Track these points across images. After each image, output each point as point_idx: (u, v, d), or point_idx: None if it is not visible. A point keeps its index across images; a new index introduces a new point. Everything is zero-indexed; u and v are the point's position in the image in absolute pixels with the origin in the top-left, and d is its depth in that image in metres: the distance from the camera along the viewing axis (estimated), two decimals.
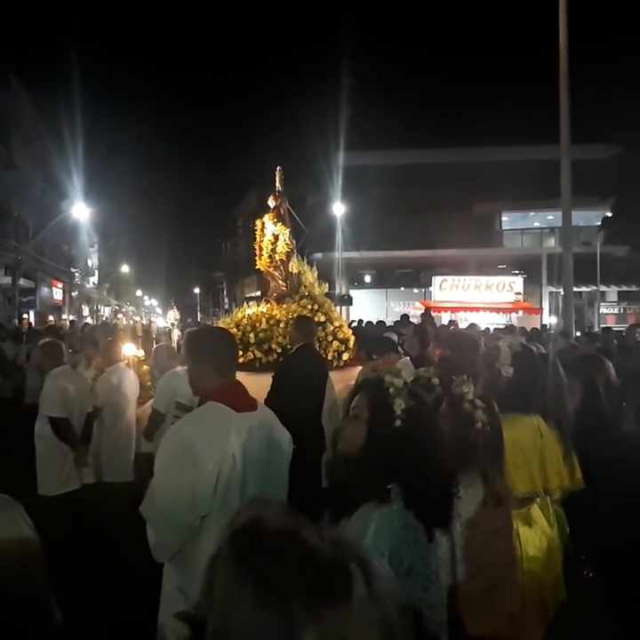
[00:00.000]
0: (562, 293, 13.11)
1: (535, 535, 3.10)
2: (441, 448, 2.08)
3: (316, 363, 5.40)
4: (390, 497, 1.96)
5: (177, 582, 2.30)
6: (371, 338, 6.99)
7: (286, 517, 0.98)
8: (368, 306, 28.92)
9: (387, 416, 2.04)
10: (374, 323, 13.96)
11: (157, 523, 2.24)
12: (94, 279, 48.14)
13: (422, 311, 17.45)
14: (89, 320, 35.34)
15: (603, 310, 30.00)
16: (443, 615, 1.97)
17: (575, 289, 18.27)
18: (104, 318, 41.63)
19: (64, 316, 31.32)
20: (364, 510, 1.96)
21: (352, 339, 7.55)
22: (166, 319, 32.95)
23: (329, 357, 7.22)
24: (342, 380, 6.11)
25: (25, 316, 25.51)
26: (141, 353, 7.82)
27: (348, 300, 25.58)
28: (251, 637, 0.85)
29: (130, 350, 7.17)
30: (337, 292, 24.57)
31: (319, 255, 25.50)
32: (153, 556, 2.31)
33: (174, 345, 9.60)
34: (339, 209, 27.52)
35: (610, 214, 25.35)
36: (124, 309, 51.64)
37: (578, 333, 11.46)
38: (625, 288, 30.32)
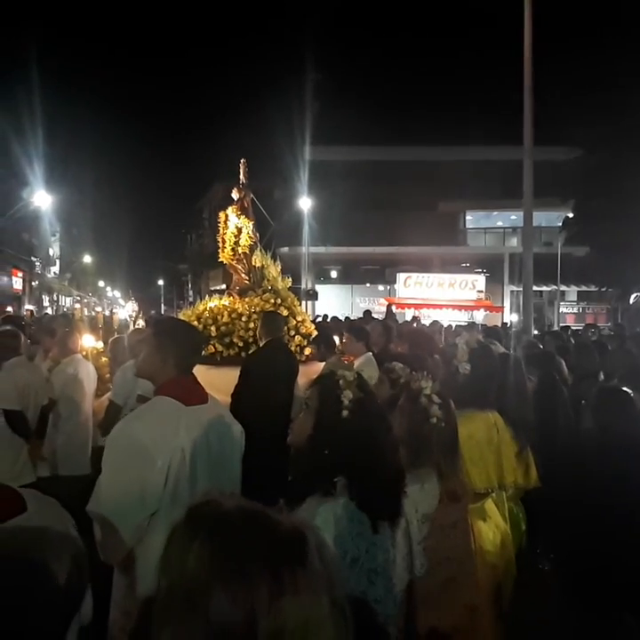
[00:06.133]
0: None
1: (489, 530, 3.14)
2: (388, 441, 2.10)
3: (284, 358, 5.37)
4: (336, 490, 1.97)
5: (127, 580, 2.23)
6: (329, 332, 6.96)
7: (242, 499, 1.02)
8: (334, 301, 29.00)
9: (334, 406, 2.07)
10: (340, 319, 14.03)
11: (105, 522, 2.15)
12: (56, 269, 47.14)
13: (386, 307, 17.55)
14: (49, 310, 34.70)
15: (562, 309, 30.63)
16: (391, 609, 1.97)
17: (536, 288, 18.61)
18: (65, 309, 40.79)
19: (26, 307, 30.63)
20: (310, 503, 1.97)
21: (315, 333, 7.53)
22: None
23: None
24: (304, 375, 6.09)
25: None
26: (100, 344, 7.67)
27: (313, 295, 25.57)
28: (206, 605, 0.87)
29: (88, 342, 7.03)
30: (303, 286, 24.54)
31: (286, 249, 25.45)
32: (101, 557, 2.21)
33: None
34: (305, 203, 27.44)
35: (571, 215, 25.81)
36: (85, 300, 50.64)
37: (535, 332, 11.64)
38: (584, 288, 31.00)
